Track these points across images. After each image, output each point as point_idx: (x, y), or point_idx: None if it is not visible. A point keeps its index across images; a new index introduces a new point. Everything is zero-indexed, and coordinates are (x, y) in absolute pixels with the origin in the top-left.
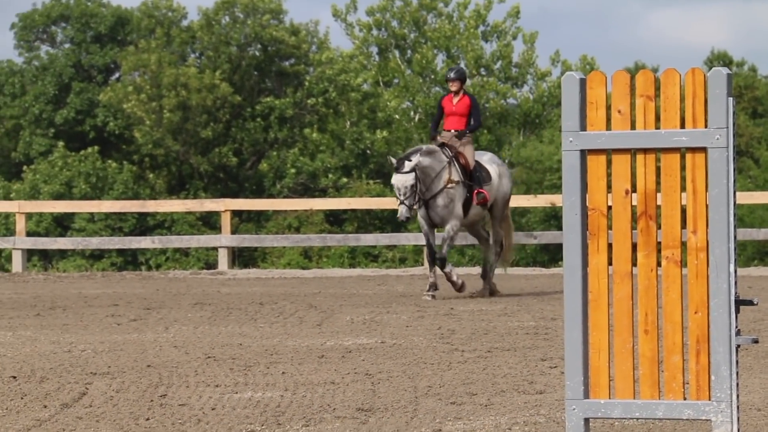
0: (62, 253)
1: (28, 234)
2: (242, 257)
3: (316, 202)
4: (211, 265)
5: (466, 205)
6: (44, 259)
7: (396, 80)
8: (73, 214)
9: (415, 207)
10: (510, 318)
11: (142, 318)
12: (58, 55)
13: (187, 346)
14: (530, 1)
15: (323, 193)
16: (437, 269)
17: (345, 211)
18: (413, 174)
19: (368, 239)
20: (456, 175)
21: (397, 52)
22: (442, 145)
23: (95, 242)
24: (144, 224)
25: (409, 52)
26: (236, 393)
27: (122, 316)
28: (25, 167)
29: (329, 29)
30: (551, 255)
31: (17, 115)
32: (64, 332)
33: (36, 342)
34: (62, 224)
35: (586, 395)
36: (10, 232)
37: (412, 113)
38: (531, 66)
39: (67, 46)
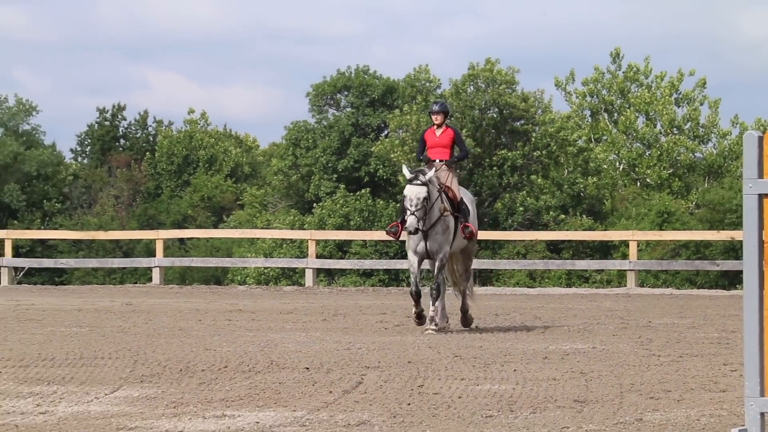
0: (342, 272)
1: (317, 256)
2: (481, 277)
3: (539, 234)
4: None
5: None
6: (328, 276)
7: (604, 137)
8: (350, 241)
9: (421, 225)
10: (697, 330)
11: (404, 324)
12: (341, 116)
13: (438, 347)
14: (715, 74)
15: (545, 227)
16: (421, 303)
17: (563, 241)
18: (426, 188)
19: (581, 264)
20: (448, 206)
21: (605, 115)
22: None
23: (367, 264)
24: (405, 250)
25: (615, 114)
26: (477, 385)
27: (388, 323)
28: (314, 204)
29: (552, 96)
30: (730, 280)
31: (309, 164)
32: (344, 334)
33: (323, 341)
34: (342, 249)
35: (762, 394)
36: (303, 254)
37: (617, 164)
38: (715, 127)
39: (348, 109)
